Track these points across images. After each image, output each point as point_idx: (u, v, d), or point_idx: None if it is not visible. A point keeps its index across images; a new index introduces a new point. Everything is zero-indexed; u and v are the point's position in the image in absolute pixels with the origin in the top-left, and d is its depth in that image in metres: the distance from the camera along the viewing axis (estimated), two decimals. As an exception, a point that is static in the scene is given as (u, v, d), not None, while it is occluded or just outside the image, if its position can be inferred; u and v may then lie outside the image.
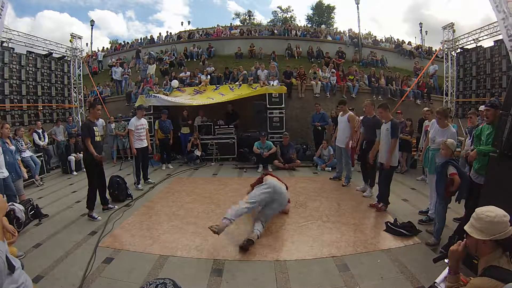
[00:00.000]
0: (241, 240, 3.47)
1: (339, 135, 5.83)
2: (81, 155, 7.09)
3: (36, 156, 6.69)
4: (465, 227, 1.49)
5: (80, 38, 9.89)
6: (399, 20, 53.54)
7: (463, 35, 8.97)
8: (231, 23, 26.42)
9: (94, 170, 4.41)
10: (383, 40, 18.46)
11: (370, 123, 4.99)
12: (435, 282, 1.76)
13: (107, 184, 5.09)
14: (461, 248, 1.52)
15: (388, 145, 4.26)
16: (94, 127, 4.44)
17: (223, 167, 7.67)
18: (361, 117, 6.58)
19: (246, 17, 35.23)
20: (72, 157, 7.39)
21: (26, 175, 5.58)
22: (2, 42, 7.43)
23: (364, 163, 5.28)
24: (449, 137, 3.61)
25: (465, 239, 1.52)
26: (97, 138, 4.47)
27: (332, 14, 33.73)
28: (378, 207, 4.34)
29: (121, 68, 12.77)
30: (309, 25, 27.93)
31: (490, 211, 1.42)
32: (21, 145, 6.28)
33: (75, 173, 7.33)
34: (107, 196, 4.86)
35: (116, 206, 4.76)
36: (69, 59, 9.74)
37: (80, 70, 10.03)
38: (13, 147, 4.86)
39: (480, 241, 1.40)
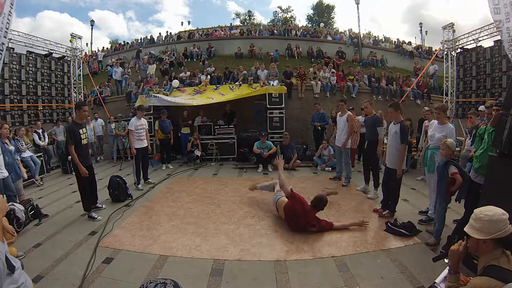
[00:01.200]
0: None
1: (338, 135, 5.83)
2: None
3: (36, 156, 6.69)
4: (465, 229, 1.49)
5: (80, 38, 9.90)
6: (398, 21, 53.81)
7: (463, 35, 8.97)
8: (231, 23, 26.46)
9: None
10: (383, 40, 18.47)
11: (370, 122, 5.00)
12: (435, 282, 1.76)
13: (107, 184, 5.10)
14: (461, 248, 1.52)
15: (396, 148, 4.02)
16: (81, 130, 4.20)
17: (223, 167, 7.67)
18: (360, 117, 6.61)
19: (246, 17, 35.34)
20: (72, 157, 7.38)
21: (26, 175, 5.58)
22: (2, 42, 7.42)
23: (366, 163, 5.30)
24: (447, 133, 3.63)
25: (465, 240, 1.52)
26: (84, 142, 4.23)
27: (332, 14, 33.88)
28: (382, 213, 4.16)
29: (121, 68, 12.76)
30: (309, 25, 27.95)
31: (488, 210, 1.43)
32: (21, 145, 6.28)
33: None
34: (108, 196, 4.85)
35: (104, 206, 4.65)
36: (69, 59, 9.74)
37: (80, 70, 10.03)
38: (12, 147, 4.86)
39: (480, 241, 1.40)
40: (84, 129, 4.31)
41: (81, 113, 4.28)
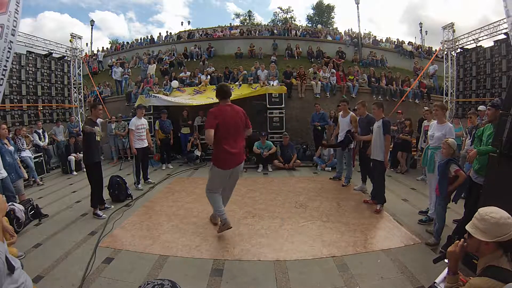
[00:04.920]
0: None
1: (341, 135, 5.82)
2: (81, 155, 7.09)
3: (36, 156, 6.67)
4: (467, 227, 1.47)
5: (80, 38, 9.90)
6: (396, 21, 53.92)
7: (463, 35, 8.96)
8: (230, 23, 26.45)
9: (94, 170, 4.42)
10: (383, 40, 18.46)
11: (364, 122, 5.08)
12: (435, 282, 1.75)
13: (107, 184, 5.11)
14: (458, 249, 1.52)
15: (380, 141, 4.31)
16: (96, 127, 4.43)
17: (223, 167, 7.65)
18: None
19: (246, 17, 35.37)
20: (72, 157, 7.39)
21: (26, 175, 5.57)
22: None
23: (364, 162, 5.31)
24: (447, 131, 3.65)
25: (462, 240, 1.51)
26: (98, 138, 4.46)
27: (332, 14, 33.91)
28: (376, 209, 4.29)
29: (121, 68, 12.76)
30: (309, 25, 27.94)
31: (494, 213, 1.40)
32: (22, 144, 6.26)
33: (75, 173, 7.33)
34: (108, 196, 4.87)
35: (112, 206, 4.75)
36: (69, 59, 9.74)
37: (80, 70, 10.03)
38: (11, 148, 4.86)
39: (483, 242, 1.39)
40: (97, 127, 4.47)
41: (97, 112, 4.50)
